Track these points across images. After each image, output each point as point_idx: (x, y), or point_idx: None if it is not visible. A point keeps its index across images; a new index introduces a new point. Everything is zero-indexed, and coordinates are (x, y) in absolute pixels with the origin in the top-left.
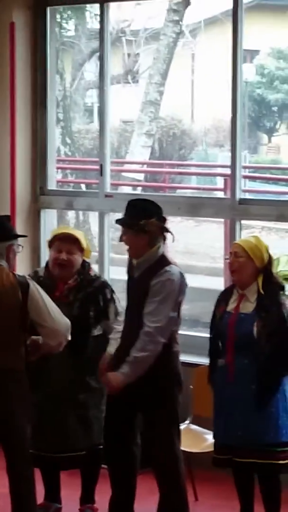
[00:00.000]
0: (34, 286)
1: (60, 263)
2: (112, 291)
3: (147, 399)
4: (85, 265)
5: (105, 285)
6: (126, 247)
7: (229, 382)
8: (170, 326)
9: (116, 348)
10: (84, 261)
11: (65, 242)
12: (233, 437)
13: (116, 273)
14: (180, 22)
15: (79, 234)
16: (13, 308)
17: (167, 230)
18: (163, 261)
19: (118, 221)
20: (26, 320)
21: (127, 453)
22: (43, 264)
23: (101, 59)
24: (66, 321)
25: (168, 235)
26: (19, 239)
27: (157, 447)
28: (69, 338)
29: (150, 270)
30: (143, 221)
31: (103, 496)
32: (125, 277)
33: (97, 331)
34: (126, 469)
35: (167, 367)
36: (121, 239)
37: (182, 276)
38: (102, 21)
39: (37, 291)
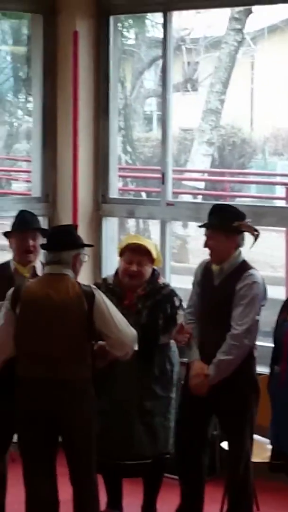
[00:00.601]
0: (100, 296)
1: (130, 274)
2: (180, 299)
3: (227, 404)
4: (155, 274)
5: (173, 293)
6: (202, 253)
7: (281, 388)
8: (256, 329)
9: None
10: (153, 269)
11: (136, 253)
12: (285, 443)
13: (177, 281)
14: (243, 31)
15: (150, 244)
16: (79, 318)
17: (257, 231)
18: (246, 265)
19: (208, 225)
20: (92, 330)
21: (198, 461)
22: (104, 272)
23: (164, 67)
24: (133, 332)
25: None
26: (85, 248)
27: (233, 454)
28: (136, 348)
29: (234, 275)
30: (236, 223)
31: (164, 506)
32: (185, 285)
33: (165, 339)
34: (196, 478)
35: (248, 373)
36: (206, 245)
37: (263, 280)
38: (165, 30)
39: (103, 301)
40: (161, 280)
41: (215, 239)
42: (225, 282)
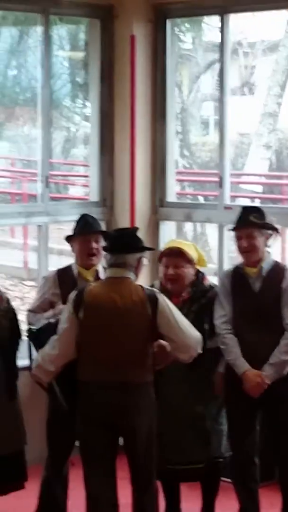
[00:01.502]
0: (163, 300)
1: (169, 278)
2: None
3: (275, 401)
4: (199, 275)
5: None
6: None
7: None
8: None
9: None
10: (198, 271)
11: (171, 256)
12: None
13: None
14: None
15: (185, 245)
16: (142, 322)
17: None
18: (280, 263)
19: (248, 224)
20: (155, 334)
21: (251, 464)
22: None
23: (221, 71)
24: (197, 334)
25: None
26: (146, 252)
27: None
28: (200, 351)
29: (274, 275)
30: (269, 219)
31: (223, 510)
32: None
33: (212, 344)
34: (251, 481)
35: None
36: (242, 247)
37: None
38: (222, 33)
39: (167, 305)
40: (207, 282)
41: (255, 239)
42: (267, 284)
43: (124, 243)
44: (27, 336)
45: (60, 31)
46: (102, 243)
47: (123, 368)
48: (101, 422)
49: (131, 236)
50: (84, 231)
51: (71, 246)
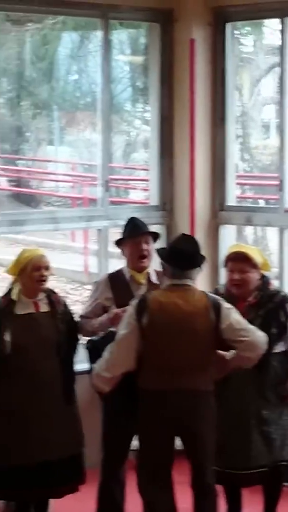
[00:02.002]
0: (226, 306)
1: (234, 284)
2: None
3: None
4: (264, 280)
5: (286, 300)
6: None
7: None
8: None
9: None
10: (263, 275)
11: (236, 261)
12: None
13: None
14: None
15: (251, 250)
16: (207, 329)
17: None
18: None
19: None
20: (217, 341)
21: None
22: (222, 280)
23: (281, 74)
24: (262, 333)
25: None
26: None
27: None
28: (265, 348)
29: None
30: None
31: None
32: None
33: (279, 348)
34: None
35: None
36: None
37: None
38: (282, 36)
39: (229, 310)
40: (272, 287)
41: None
42: None
43: (192, 261)
44: (87, 346)
45: (121, 36)
46: (153, 244)
47: (188, 376)
48: (164, 429)
49: (197, 253)
50: (133, 234)
51: (121, 250)
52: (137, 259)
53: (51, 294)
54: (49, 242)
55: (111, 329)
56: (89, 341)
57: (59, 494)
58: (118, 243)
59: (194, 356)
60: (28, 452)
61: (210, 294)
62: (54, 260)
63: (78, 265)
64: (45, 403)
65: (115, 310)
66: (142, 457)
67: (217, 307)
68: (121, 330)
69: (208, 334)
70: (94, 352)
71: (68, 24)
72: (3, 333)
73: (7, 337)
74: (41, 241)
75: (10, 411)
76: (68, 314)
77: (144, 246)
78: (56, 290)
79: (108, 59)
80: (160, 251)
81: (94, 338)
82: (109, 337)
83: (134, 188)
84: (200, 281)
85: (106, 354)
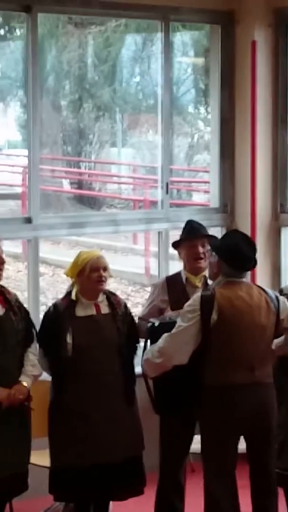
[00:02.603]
0: (282, 298)
1: None
2: None
3: None
4: None
5: None
6: None
7: None
8: None
9: None
10: None
11: None
12: None
13: None
14: None
15: None
16: (270, 320)
17: None
18: None
19: None
20: (277, 333)
21: None
22: (283, 282)
23: None
24: None
25: None
26: None
27: None
28: None
29: None
30: None
31: None
32: None
33: None
34: None
35: None
36: None
37: None
38: None
39: (284, 301)
40: None
41: None
42: None
43: (250, 265)
44: (147, 329)
45: (184, 37)
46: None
47: (259, 369)
48: (236, 427)
49: (254, 254)
50: (190, 236)
51: (179, 253)
52: (192, 261)
53: (111, 296)
54: (111, 244)
55: (172, 318)
56: (150, 325)
57: (122, 496)
58: (175, 245)
59: (262, 349)
60: (90, 453)
61: (265, 288)
62: (116, 262)
63: (139, 267)
64: (108, 404)
65: (169, 312)
66: (210, 453)
67: (276, 299)
68: (180, 322)
69: (271, 325)
70: (153, 337)
71: (131, 26)
72: (65, 335)
73: (69, 339)
74: (103, 243)
75: (73, 413)
76: (128, 316)
77: (200, 249)
78: (117, 292)
79: (169, 61)
80: (217, 248)
81: (154, 323)
82: (169, 324)
83: (197, 191)
84: (262, 282)
85: (160, 342)
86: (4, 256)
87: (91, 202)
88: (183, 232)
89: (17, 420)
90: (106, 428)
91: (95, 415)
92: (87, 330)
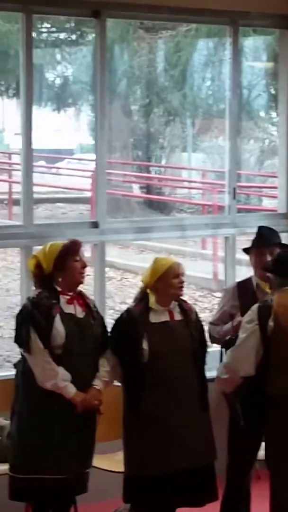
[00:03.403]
0: None
1: None
2: None
3: None
4: None
5: None
6: None
7: None
8: None
9: None
10: None
11: None
12: None
13: None
14: None
15: None
16: None
17: None
18: None
19: None
20: None
21: None
22: None
23: None
24: None
25: None
26: None
27: None
28: None
29: None
30: None
31: None
32: None
33: None
34: None
35: None
36: None
37: None
38: None
39: None
40: None
41: None
42: None
43: None
44: (222, 345)
45: (256, 42)
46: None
47: None
48: None
49: None
50: (258, 244)
51: (250, 258)
52: (260, 269)
53: (182, 303)
54: (180, 249)
55: None
56: (224, 341)
57: (201, 502)
58: (246, 251)
59: None
60: (168, 461)
61: None
62: (184, 267)
63: (207, 272)
64: (184, 410)
65: (239, 318)
66: (275, 461)
67: None
68: (242, 334)
69: None
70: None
71: (201, 31)
72: (141, 341)
73: (145, 345)
74: (171, 248)
75: (149, 419)
76: (199, 322)
77: (268, 258)
78: (185, 298)
79: (237, 66)
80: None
81: (228, 337)
82: None
83: (267, 196)
84: None
85: (226, 358)
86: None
87: (161, 207)
88: (254, 238)
89: (86, 423)
90: (182, 435)
91: (171, 422)
92: (162, 336)
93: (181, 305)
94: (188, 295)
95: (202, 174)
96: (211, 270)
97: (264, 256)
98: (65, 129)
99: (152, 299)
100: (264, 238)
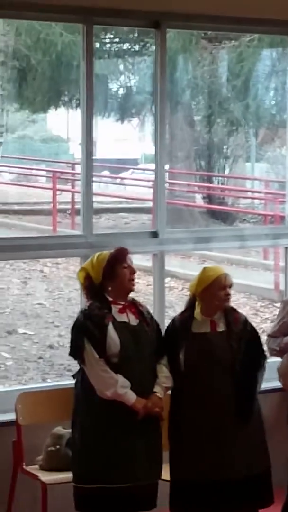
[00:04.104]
0: None
1: None
2: None
3: None
4: None
5: None
6: None
7: None
8: None
9: None
10: None
11: None
12: None
13: None
14: None
15: None
16: None
17: None
18: None
19: None
20: None
21: None
22: None
23: None
24: None
25: None
26: None
27: None
28: None
29: None
30: None
31: None
32: None
33: None
34: None
35: None
36: None
37: None
38: None
39: None
40: None
41: None
42: None
43: None
44: None
45: None
46: None
47: None
48: None
49: None
50: None
51: None
52: None
53: (231, 313)
54: (241, 259)
55: None
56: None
57: (254, 508)
58: None
59: None
60: (200, 470)
61: None
62: (246, 277)
63: (269, 282)
64: (217, 423)
65: None
66: None
67: None
68: None
69: None
70: None
71: (264, 41)
72: (179, 351)
73: (182, 355)
74: (233, 258)
75: (186, 429)
76: (247, 332)
77: None
78: (245, 308)
79: None
80: None
81: None
82: None
83: None
84: None
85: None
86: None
87: (224, 217)
88: None
89: (150, 430)
90: (214, 445)
91: (203, 432)
92: (199, 348)
93: (227, 316)
94: (250, 305)
95: (265, 184)
96: (272, 280)
97: None
98: (129, 139)
99: (198, 309)
100: None
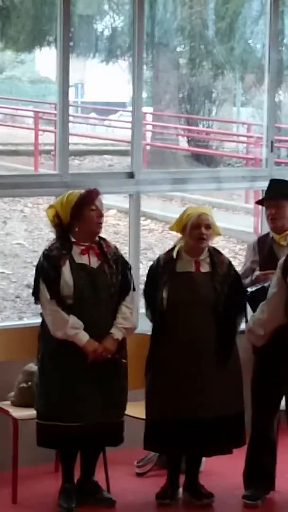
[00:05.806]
0: None
1: None
2: None
3: None
4: None
5: None
6: None
7: None
8: None
9: None
10: None
11: None
12: None
13: None
14: None
15: None
16: None
17: None
18: None
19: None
20: None
21: None
22: None
23: None
24: None
25: None
26: None
27: None
28: None
29: None
30: None
31: None
32: None
33: None
34: None
35: None
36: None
37: None
38: None
39: None
40: None
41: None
42: None
43: None
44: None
45: None
46: None
47: None
48: None
49: None
50: (266, 196)
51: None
52: (268, 221)
53: (215, 255)
54: (223, 202)
55: (265, 284)
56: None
57: (209, 453)
58: (260, 203)
59: None
60: (180, 409)
61: None
62: (227, 220)
63: (249, 226)
64: (198, 361)
65: (257, 272)
66: None
67: None
68: (271, 289)
69: None
70: (253, 303)
71: None
72: (162, 289)
73: (165, 293)
74: (214, 201)
75: (166, 367)
76: (231, 275)
77: (273, 211)
78: (224, 251)
79: (276, 20)
80: None
81: (252, 289)
82: (263, 291)
83: None
84: None
85: (258, 312)
86: (104, 209)
87: (208, 161)
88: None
89: (110, 371)
90: (194, 384)
91: (185, 371)
92: (182, 287)
93: (212, 257)
94: (229, 248)
95: (248, 128)
96: (251, 224)
97: (271, 208)
98: (118, 81)
99: (177, 248)
100: (270, 190)
